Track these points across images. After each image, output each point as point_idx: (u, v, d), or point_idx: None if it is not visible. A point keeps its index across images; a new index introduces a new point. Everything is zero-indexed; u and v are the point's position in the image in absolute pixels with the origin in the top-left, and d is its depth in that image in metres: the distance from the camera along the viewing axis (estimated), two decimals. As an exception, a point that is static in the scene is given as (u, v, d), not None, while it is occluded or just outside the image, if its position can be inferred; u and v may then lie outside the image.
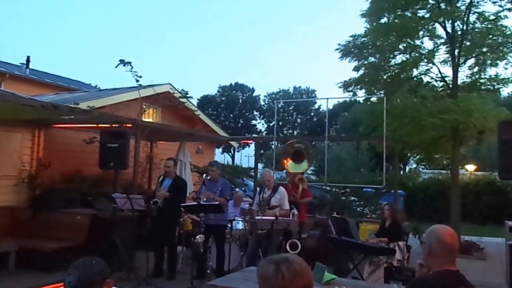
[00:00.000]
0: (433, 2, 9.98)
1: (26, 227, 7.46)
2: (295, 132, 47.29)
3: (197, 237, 5.91)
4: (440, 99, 9.55)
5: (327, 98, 10.59)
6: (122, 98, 10.46)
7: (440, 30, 10.09)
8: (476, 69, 9.93)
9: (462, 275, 2.37)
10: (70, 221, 7.29)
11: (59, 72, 28.79)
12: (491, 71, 9.88)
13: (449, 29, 9.91)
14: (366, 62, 10.66)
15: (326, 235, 6.87)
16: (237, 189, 10.76)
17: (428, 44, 10.53)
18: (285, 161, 8.49)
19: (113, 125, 7.70)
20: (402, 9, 10.20)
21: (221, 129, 15.58)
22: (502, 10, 9.46)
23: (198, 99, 44.55)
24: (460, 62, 9.77)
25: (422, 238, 2.57)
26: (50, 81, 17.94)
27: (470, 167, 19.81)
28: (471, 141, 10.65)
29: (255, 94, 50.77)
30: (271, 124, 45.11)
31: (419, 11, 10.27)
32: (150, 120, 11.47)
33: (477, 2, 9.62)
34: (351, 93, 11.40)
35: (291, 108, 48.72)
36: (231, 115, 49.11)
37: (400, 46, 10.18)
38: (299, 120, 49.97)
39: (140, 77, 8.24)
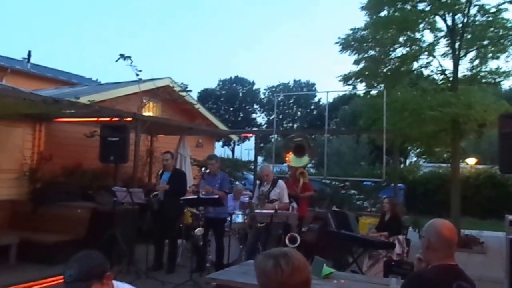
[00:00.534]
0: (433, -5, 9.94)
1: (27, 220, 7.49)
2: (295, 126, 47.17)
3: (197, 230, 5.92)
4: (440, 92, 9.53)
5: (327, 92, 10.59)
6: (122, 92, 10.46)
7: (440, 23, 10.08)
8: (476, 62, 9.91)
9: (461, 269, 2.37)
10: (71, 215, 7.31)
11: (60, 66, 28.80)
12: (492, 64, 9.90)
13: (449, 22, 9.88)
14: (366, 55, 10.64)
15: (326, 229, 6.89)
16: (237, 183, 10.77)
17: (428, 37, 10.54)
18: (286, 155, 8.51)
19: (114, 119, 7.70)
20: (402, 2, 10.16)
21: (221, 123, 15.56)
22: (503, 3, 9.45)
23: (198, 93, 44.47)
24: (461, 55, 9.74)
25: (421, 232, 2.57)
26: (51, 76, 17.97)
27: (471, 161, 19.72)
28: (472, 134, 10.64)
29: (255, 87, 50.67)
30: (271, 118, 44.99)
31: (419, 4, 10.23)
32: (150, 114, 11.48)
33: (478, -5, 9.59)
34: (351, 87, 11.40)
35: (291, 101, 48.58)
36: (231, 109, 48.96)
37: (400, 39, 10.15)
38: (299, 113, 49.82)
39: (140, 71, 8.30)
